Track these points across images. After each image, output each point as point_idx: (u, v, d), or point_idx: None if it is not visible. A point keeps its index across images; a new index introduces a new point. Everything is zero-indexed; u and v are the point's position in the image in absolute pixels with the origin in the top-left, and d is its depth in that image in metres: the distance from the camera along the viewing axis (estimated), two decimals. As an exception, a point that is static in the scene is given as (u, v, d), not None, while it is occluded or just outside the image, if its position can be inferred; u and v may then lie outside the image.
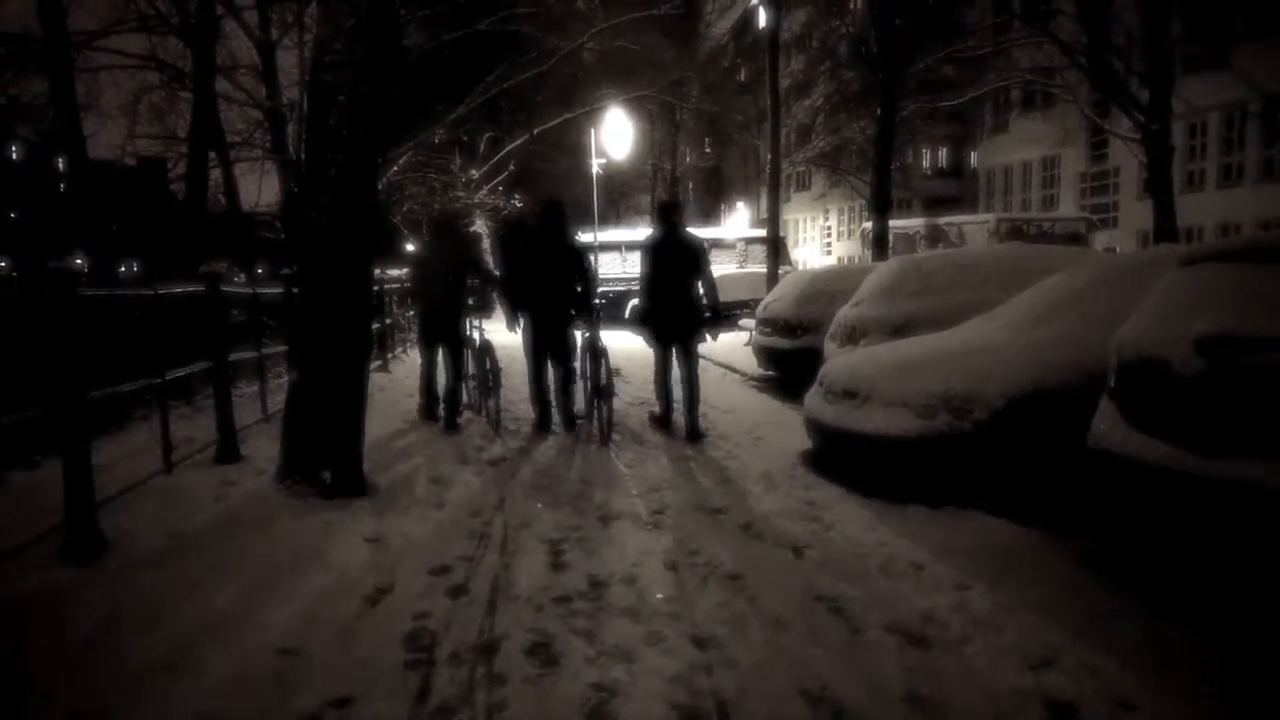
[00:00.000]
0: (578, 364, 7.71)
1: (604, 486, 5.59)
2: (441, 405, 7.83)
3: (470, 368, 8.42)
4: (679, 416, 7.57)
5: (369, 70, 5.08)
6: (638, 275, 7.98)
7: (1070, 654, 3.02)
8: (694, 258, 7.40)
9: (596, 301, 7.91)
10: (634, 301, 12.32)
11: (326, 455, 5.17)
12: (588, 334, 7.59)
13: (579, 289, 7.58)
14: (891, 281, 8.13)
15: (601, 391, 7.25)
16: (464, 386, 8.21)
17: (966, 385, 4.93)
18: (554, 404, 7.73)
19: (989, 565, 3.88)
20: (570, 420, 7.65)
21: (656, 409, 7.88)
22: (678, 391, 7.54)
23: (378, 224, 5.72)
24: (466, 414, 8.20)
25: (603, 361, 7.29)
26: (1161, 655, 2.99)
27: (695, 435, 7.22)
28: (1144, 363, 3.47)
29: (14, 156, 48.05)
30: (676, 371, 7.52)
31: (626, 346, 12.32)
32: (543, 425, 7.65)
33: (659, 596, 3.67)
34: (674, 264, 7.43)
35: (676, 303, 7.44)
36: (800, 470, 5.91)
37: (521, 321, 7.66)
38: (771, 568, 4.01)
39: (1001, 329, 5.53)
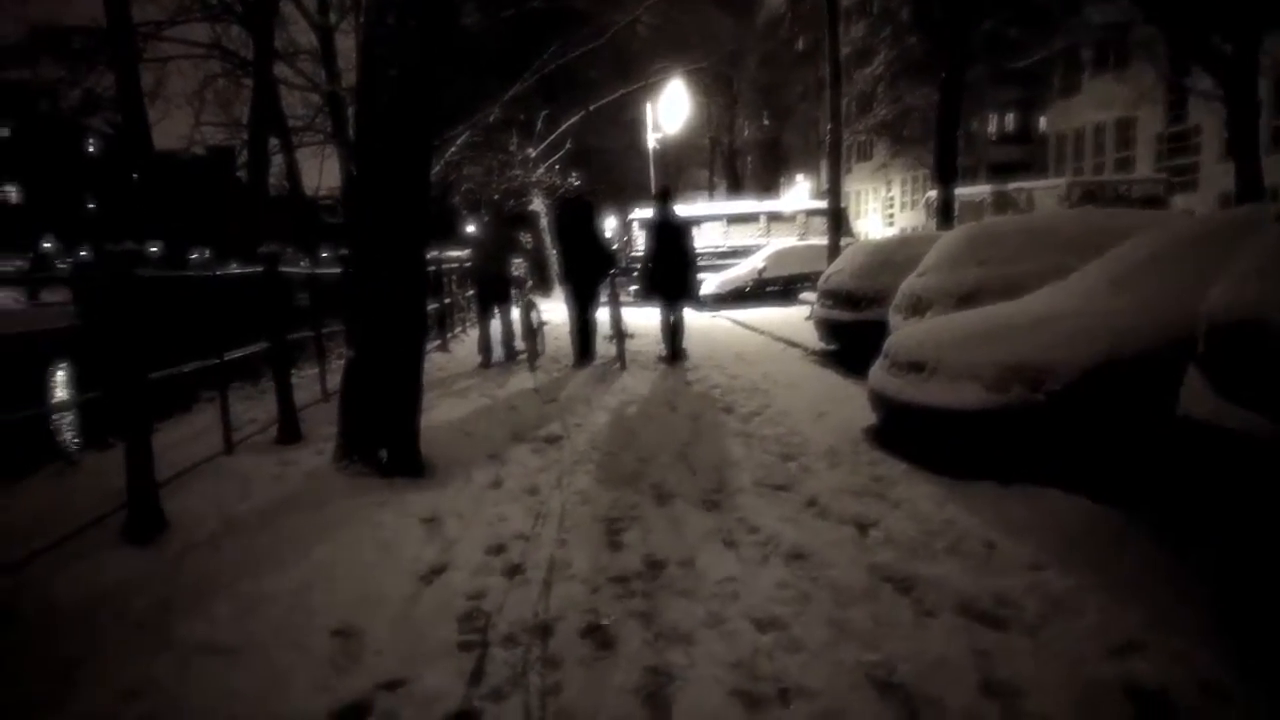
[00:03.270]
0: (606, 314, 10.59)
1: (661, 464, 5.49)
2: (501, 348, 10.55)
3: (518, 323, 11.01)
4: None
5: (421, 43, 5.01)
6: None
7: (1155, 638, 2.82)
8: (678, 234, 10.13)
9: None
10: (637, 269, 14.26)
11: (383, 435, 5.16)
12: (608, 294, 10.56)
13: (602, 260, 10.45)
14: (959, 250, 7.83)
15: (620, 333, 10.23)
16: (514, 335, 10.99)
17: (1040, 355, 4.69)
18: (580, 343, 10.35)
19: (1064, 544, 3.68)
20: (589, 354, 10.32)
21: (663, 350, 10.47)
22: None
23: (431, 204, 5.69)
24: (520, 357, 10.73)
25: (620, 314, 10.35)
26: (1252, 641, 2.79)
27: (675, 358, 10.13)
28: (1239, 327, 3.22)
29: (90, 149, 49.65)
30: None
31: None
32: (582, 358, 10.27)
33: (718, 576, 3.56)
34: (668, 238, 10.05)
35: (671, 267, 10.02)
36: (865, 446, 5.74)
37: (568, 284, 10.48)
38: (836, 546, 3.87)
39: (1076, 296, 5.26)
